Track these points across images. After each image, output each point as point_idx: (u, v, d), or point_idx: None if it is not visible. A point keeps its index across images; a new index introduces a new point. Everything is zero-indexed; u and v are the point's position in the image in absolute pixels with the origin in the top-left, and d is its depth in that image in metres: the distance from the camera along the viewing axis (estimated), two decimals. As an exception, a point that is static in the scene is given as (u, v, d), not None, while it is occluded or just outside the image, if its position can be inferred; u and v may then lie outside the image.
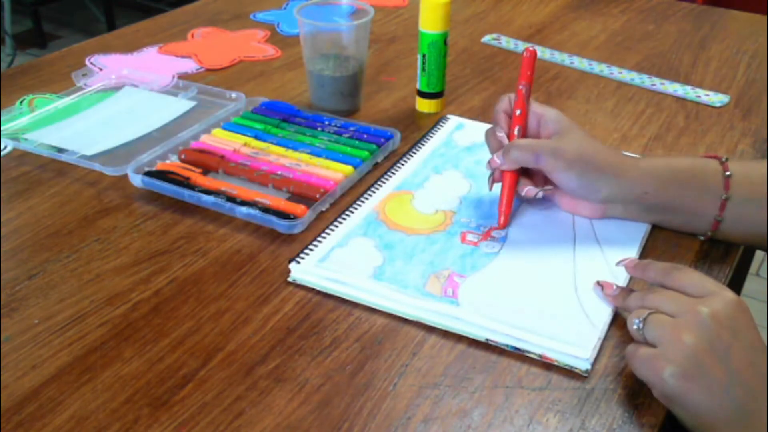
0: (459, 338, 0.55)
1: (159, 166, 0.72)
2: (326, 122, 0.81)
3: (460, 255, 0.63)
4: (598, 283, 0.58)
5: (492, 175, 0.68)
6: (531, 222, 0.67)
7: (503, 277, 0.61)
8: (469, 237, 0.65)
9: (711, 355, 0.47)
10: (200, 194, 0.68)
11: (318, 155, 0.74)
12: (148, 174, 0.71)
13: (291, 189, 0.70)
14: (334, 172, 0.72)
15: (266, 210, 0.66)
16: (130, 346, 0.54)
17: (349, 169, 0.73)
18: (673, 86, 0.94)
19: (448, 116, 0.84)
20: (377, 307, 0.58)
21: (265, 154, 0.75)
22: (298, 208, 0.66)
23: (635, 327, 0.50)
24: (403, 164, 0.75)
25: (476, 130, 0.81)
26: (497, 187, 0.67)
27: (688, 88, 0.93)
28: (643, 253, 0.64)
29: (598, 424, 0.49)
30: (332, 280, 0.59)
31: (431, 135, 0.80)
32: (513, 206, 0.67)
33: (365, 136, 0.78)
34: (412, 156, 0.76)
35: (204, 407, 0.49)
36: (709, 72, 0.98)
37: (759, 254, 2.04)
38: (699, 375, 0.46)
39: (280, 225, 0.65)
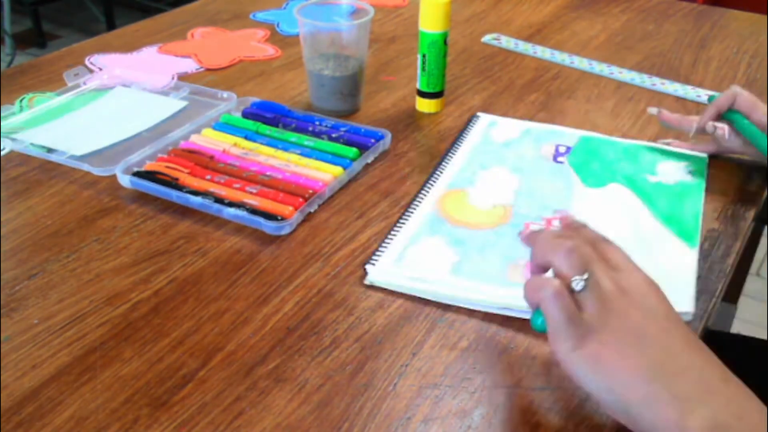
0: (459, 338, 0.55)
1: (147, 166, 0.72)
2: (317, 122, 0.81)
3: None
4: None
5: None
6: (588, 212, 0.69)
7: None
8: (533, 227, 0.67)
9: (617, 315, 0.44)
10: (188, 195, 0.68)
11: (308, 156, 0.74)
12: (137, 174, 0.71)
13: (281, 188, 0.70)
14: (324, 173, 0.72)
15: (254, 211, 0.66)
16: (130, 346, 0.54)
17: (338, 169, 0.72)
18: (674, 86, 0.94)
19: (479, 114, 0.86)
20: (461, 304, 0.58)
21: (255, 154, 0.75)
22: (285, 210, 0.66)
23: (579, 289, 0.46)
24: (447, 163, 0.76)
25: (509, 126, 0.84)
26: (544, 179, 0.73)
27: (689, 87, 0.93)
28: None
29: (598, 424, 0.49)
30: (414, 278, 0.60)
31: (466, 134, 0.82)
32: (569, 198, 0.71)
33: (356, 136, 0.78)
34: (453, 155, 0.78)
35: (204, 407, 0.49)
36: (709, 72, 0.98)
37: (759, 254, 2.04)
38: (607, 334, 0.43)
39: (267, 226, 0.65)
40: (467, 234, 0.66)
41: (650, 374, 0.42)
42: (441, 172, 0.75)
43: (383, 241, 0.64)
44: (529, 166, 0.76)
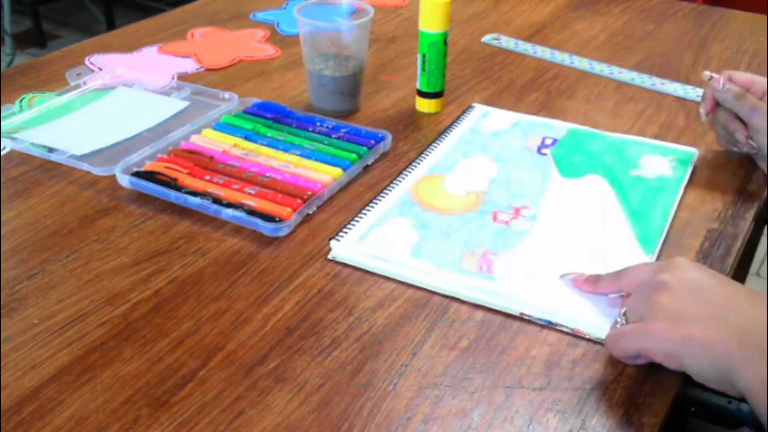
0: (459, 338, 0.55)
1: (147, 166, 0.72)
2: (317, 123, 0.81)
3: (493, 234, 0.66)
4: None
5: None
6: (560, 202, 0.70)
7: (535, 254, 0.63)
8: (501, 216, 0.68)
9: (690, 302, 0.49)
10: (186, 196, 0.68)
11: (307, 157, 0.74)
12: (136, 174, 0.71)
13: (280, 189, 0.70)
14: (323, 174, 0.72)
15: (252, 212, 0.66)
16: (130, 346, 0.54)
17: (338, 171, 0.72)
18: (673, 86, 0.93)
19: (474, 105, 0.87)
20: (416, 284, 0.60)
21: (255, 155, 0.75)
22: (284, 211, 0.66)
23: (618, 325, 0.53)
24: (432, 150, 0.78)
25: (502, 117, 0.85)
26: (523, 169, 0.75)
27: (689, 87, 0.93)
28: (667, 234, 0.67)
29: (598, 424, 0.49)
30: (372, 257, 0.62)
31: (458, 122, 0.83)
32: (544, 188, 0.72)
33: (356, 138, 0.78)
34: (441, 142, 0.79)
35: (204, 407, 0.49)
36: (709, 72, 0.98)
37: (759, 254, 2.04)
38: (689, 319, 0.48)
39: (265, 228, 0.65)
40: (434, 218, 0.67)
41: (741, 339, 0.46)
42: (423, 159, 0.76)
43: (352, 220, 0.66)
44: (511, 156, 0.77)
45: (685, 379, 0.52)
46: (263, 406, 0.50)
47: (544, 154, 0.78)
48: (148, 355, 0.53)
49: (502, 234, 0.66)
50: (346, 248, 0.63)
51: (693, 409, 0.58)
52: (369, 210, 0.68)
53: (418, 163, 0.75)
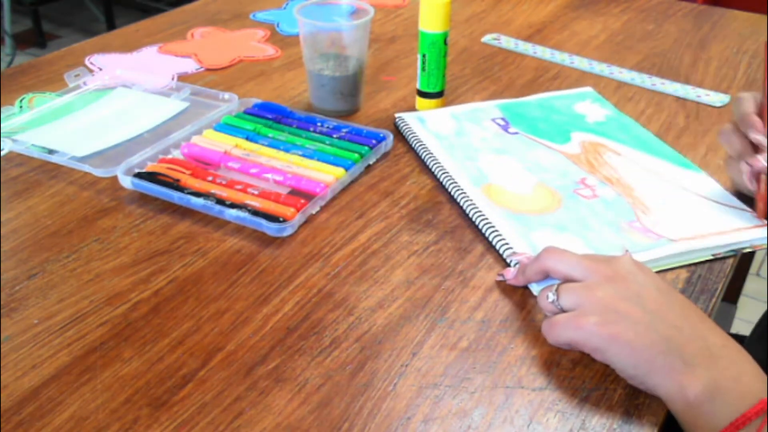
0: (459, 338, 0.55)
1: (149, 167, 0.72)
2: (318, 124, 0.81)
3: (604, 208, 0.68)
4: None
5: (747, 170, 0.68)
6: (593, 163, 0.76)
7: (657, 205, 0.68)
8: (583, 192, 0.70)
9: (626, 302, 0.50)
10: (189, 197, 0.68)
11: (309, 157, 0.74)
12: (138, 176, 0.71)
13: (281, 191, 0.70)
14: (326, 175, 0.72)
15: (255, 213, 0.66)
16: (130, 346, 0.54)
17: (340, 171, 0.72)
18: (674, 86, 0.94)
19: (398, 115, 0.84)
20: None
21: (256, 156, 0.75)
22: (287, 211, 0.66)
23: (550, 300, 0.53)
24: (438, 163, 0.74)
25: (437, 117, 0.84)
26: (525, 151, 0.77)
27: (689, 87, 0.93)
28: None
29: (598, 424, 0.49)
30: None
31: (413, 135, 0.80)
32: (564, 159, 0.76)
33: (358, 137, 0.78)
34: (431, 156, 0.75)
35: (204, 407, 0.49)
36: (709, 72, 0.98)
37: (759, 254, 2.04)
38: (620, 319, 0.49)
39: (268, 228, 0.65)
40: (553, 218, 0.67)
41: (665, 347, 0.48)
42: (446, 173, 0.73)
43: (496, 245, 0.64)
44: (502, 145, 0.78)
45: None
46: (263, 406, 0.50)
47: (515, 132, 0.81)
48: (148, 355, 0.53)
49: (608, 206, 0.68)
50: None
51: None
52: (495, 233, 0.64)
53: (449, 178, 0.72)
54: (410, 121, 0.82)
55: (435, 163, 0.75)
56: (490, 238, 0.65)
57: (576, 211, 0.68)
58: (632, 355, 0.48)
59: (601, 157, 0.76)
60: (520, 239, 0.64)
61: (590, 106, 0.86)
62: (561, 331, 0.52)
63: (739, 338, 0.99)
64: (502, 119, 0.83)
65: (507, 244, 0.63)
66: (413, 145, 0.79)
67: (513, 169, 0.74)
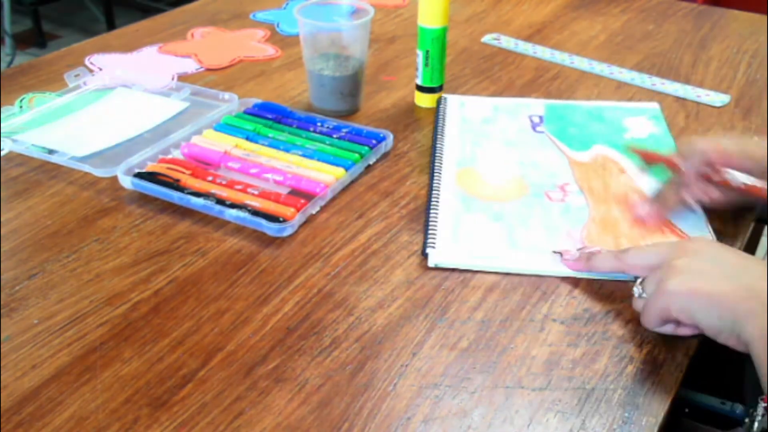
0: (459, 338, 0.55)
1: (149, 167, 0.72)
2: (318, 124, 0.81)
3: (559, 213, 0.68)
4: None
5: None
6: (591, 173, 0.74)
7: (610, 222, 0.67)
8: (553, 195, 0.71)
9: (704, 263, 0.52)
10: (189, 197, 0.68)
11: (309, 157, 0.74)
12: (138, 176, 0.71)
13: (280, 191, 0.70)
14: (326, 175, 0.72)
15: (255, 213, 0.66)
16: (130, 346, 0.54)
17: (340, 171, 0.72)
18: (674, 86, 0.93)
19: (445, 96, 0.88)
20: (520, 272, 0.61)
21: (256, 156, 0.75)
22: (287, 211, 0.66)
23: (637, 295, 0.55)
24: (442, 143, 0.78)
25: (479, 103, 0.87)
26: (535, 149, 0.77)
27: (689, 87, 0.93)
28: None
29: (598, 424, 0.49)
30: (478, 256, 0.63)
31: (442, 116, 0.84)
32: (566, 162, 0.75)
33: (358, 137, 0.78)
34: (443, 135, 0.80)
35: (204, 407, 0.49)
36: (709, 72, 0.98)
37: (759, 254, 2.04)
38: (698, 276, 0.51)
39: (268, 228, 0.65)
40: (499, 208, 0.68)
41: (747, 294, 0.49)
42: (441, 153, 0.76)
43: (428, 226, 0.65)
44: (517, 139, 0.80)
45: (683, 380, 0.52)
46: (263, 406, 0.50)
47: (541, 132, 0.81)
48: (148, 355, 0.53)
49: (566, 211, 0.68)
50: (446, 253, 0.62)
51: (686, 410, 0.58)
52: (435, 212, 0.67)
53: (440, 157, 0.75)
54: (452, 102, 0.86)
55: (438, 142, 0.78)
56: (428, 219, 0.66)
57: (528, 207, 0.68)
58: (715, 306, 0.49)
59: (604, 170, 0.75)
60: (450, 219, 0.66)
61: (642, 121, 0.83)
62: (651, 308, 0.53)
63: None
64: (539, 117, 0.84)
65: (433, 223, 0.65)
66: (436, 124, 0.82)
67: (505, 161, 0.75)
